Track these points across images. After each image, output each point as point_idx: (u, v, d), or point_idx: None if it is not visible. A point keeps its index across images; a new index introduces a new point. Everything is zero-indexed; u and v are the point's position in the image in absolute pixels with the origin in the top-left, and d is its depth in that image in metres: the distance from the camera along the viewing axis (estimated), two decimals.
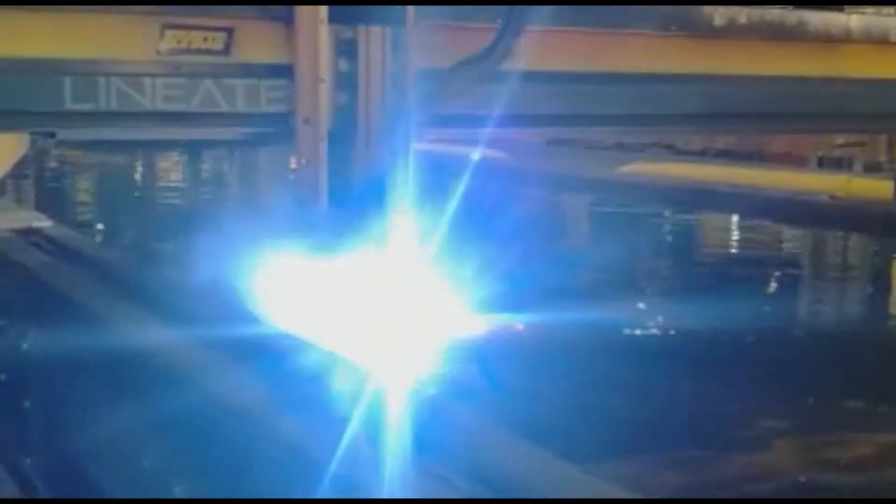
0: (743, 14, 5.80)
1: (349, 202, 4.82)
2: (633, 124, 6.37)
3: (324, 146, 4.63)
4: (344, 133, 4.75)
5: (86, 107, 4.28)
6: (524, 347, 7.03)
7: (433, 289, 5.48)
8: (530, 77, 5.40)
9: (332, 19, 4.63)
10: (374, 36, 4.72)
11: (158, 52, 4.35)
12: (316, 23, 4.55)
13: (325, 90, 4.63)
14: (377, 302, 5.09)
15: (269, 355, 3.52)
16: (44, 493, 4.33)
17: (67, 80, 4.23)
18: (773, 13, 5.94)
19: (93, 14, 4.27)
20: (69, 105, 4.26)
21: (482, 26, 4.97)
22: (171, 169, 21.42)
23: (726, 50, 5.94)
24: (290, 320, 4.10)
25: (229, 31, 4.47)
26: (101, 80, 4.27)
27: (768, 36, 6.05)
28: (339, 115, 4.75)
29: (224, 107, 4.52)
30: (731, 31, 5.89)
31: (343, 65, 4.73)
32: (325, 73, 4.63)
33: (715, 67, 5.95)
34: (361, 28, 4.72)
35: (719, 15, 5.72)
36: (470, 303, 6.55)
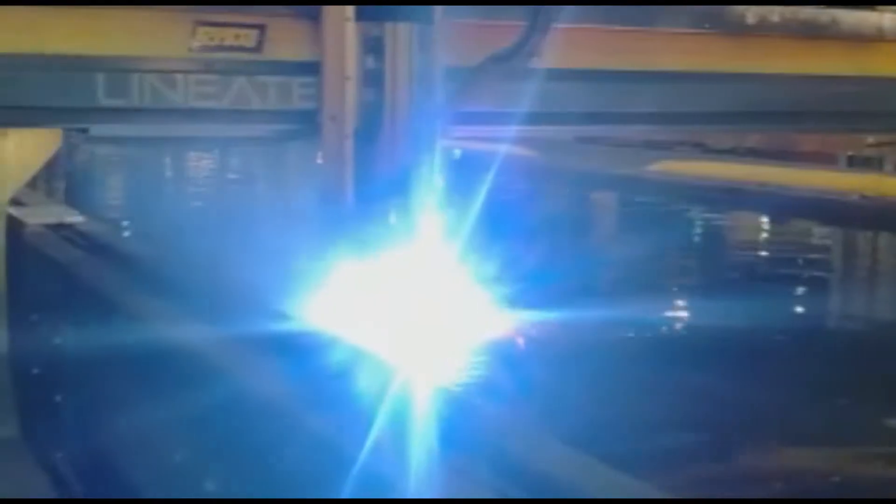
0: (775, 12, 5.76)
1: (375, 200, 4.82)
2: (665, 122, 6.34)
3: (350, 144, 4.63)
4: (370, 131, 4.75)
5: (119, 103, 4.31)
6: (551, 345, 7.01)
7: (459, 286, 5.47)
8: (560, 75, 5.39)
9: (359, 17, 4.63)
10: (401, 33, 4.72)
11: (191, 49, 4.37)
12: (343, 20, 4.55)
13: (351, 88, 4.63)
14: (403, 299, 5.09)
15: (295, 351, 3.54)
16: (76, 488, 4.37)
17: (100, 77, 4.25)
18: (806, 11, 5.90)
19: (126, 11, 4.29)
20: (102, 101, 4.28)
21: (510, 24, 4.95)
22: (200, 164, 21.51)
23: (758, 48, 5.90)
24: (317, 316, 4.12)
25: (261, 28, 4.48)
26: (135, 76, 4.30)
27: (801, 34, 6.01)
28: (366, 112, 4.75)
29: (256, 104, 4.54)
30: (763, 29, 5.85)
31: (370, 62, 4.73)
32: (352, 70, 4.63)
33: (747, 65, 5.91)
34: (388, 25, 4.72)
35: (752, 13, 5.68)
36: (497, 300, 6.54)
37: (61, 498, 4.14)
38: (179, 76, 4.37)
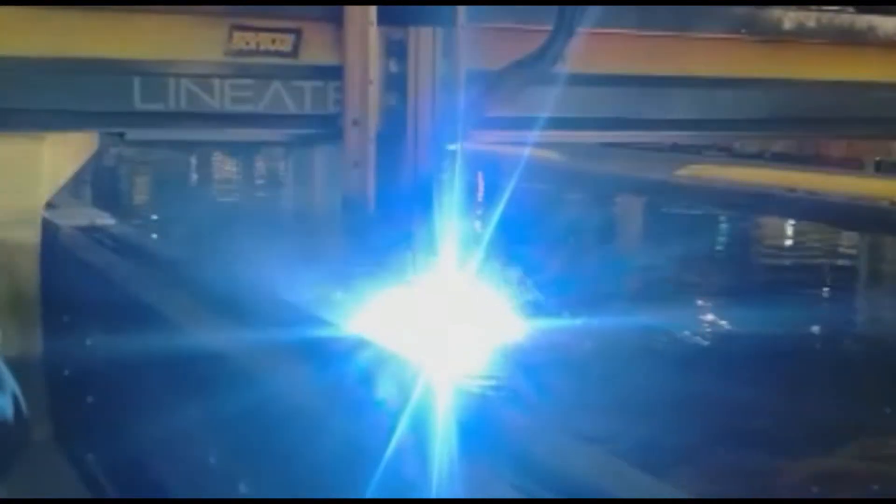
0: (812, 17, 5.71)
1: (397, 204, 4.80)
2: (697, 128, 6.31)
3: (372, 148, 4.61)
4: (393, 135, 4.73)
5: (155, 107, 4.32)
6: (574, 352, 6.99)
7: (481, 292, 5.46)
8: (590, 80, 5.37)
9: (382, 20, 4.60)
10: (423, 37, 4.69)
11: (227, 54, 4.38)
12: (365, 24, 4.53)
13: (374, 92, 4.61)
14: (426, 304, 5.08)
15: (321, 354, 3.55)
16: (108, 489, 4.39)
17: (137, 81, 4.26)
18: (843, 17, 5.85)
19: (162, 15, 4.30)
20: (138, 105, 4.29)
21: (536, 28, 4.90)
22: (227, 167, 21.58)
23: (793, 53, 5.86)
24: (339, 321, 4.11)
25: (297, 33, 4.48)
26: (171, 80, 4.30)
27: (837, 40, 5.96)
28: (388, 116, 4.73)
29: (292, 108, 4.53)
30: (799, 35, 5.80)
31: (392, 66, 4.70)
32: (375, 74, 4.61)
33: (782, 71, 5.87)
34: (411, 29, 4.68)
35: (788, 18, 5.64)
36: (520, 306, 6.52)
37: (93, 498, 4.15)
38: (216, 80, 4.37)
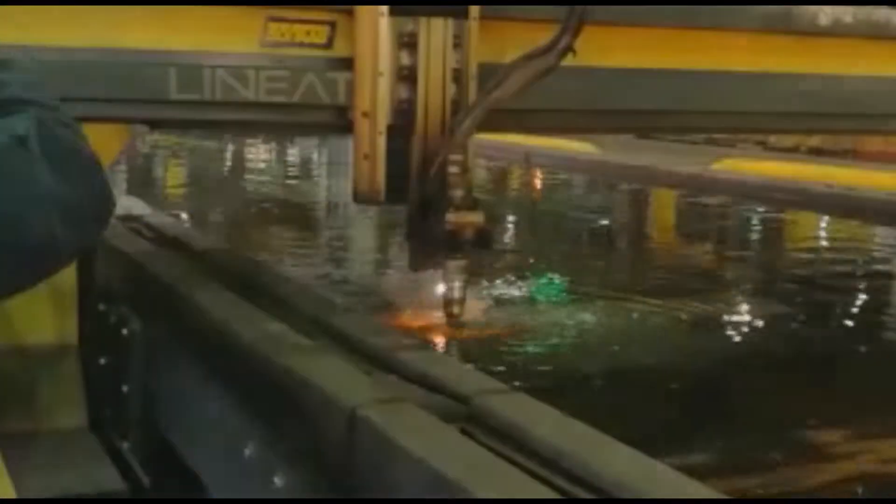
0: (848, 13, 5.66)
1: (407, 197, 4.78)
2: (734, 122, 6.26)
3: (382, 140, 4.58)
4: (403, 127, 4.70)
5: (190, 97, 4.35)
6: (588, 343, 7.00)
7: (488, 281, 5.45)
8: (622, 74, 5.33)
9: (393, 11, 4.57)
10: (435, 29, 4.65)
11: (262, 45, 4.40)
12: (376, 15, 4.50)
13: (384, 84, 4.59)
14: (435, 293, 5.09)
15: (344, 345, 3.58)
16: (142, 478, 4.45)
17: (173, 71, 4.30)
18: (880, 13, 5.80)
19: (198, 6, 4.34)
20: (174, 95, 4.33)
21: (549, 19, 4.81)
22: (260, 154, 21.69)
23: (829, 48, 5.82)
24: (344, 308, 4.14)
25: (332, 25, 4.49)
26: (206, 71, 4.34)
27: (873, 35, 5.91)
28: (399, 109, 4.70)
29: (326, 99, 4.55)
30: (835, 31, 5.76)
31: (404, 58, 4.67)
32: (385, 66, 4.58)
33: (817, 67, 5.83)
34: (423, 21, 4.63)
35: (824, 14, 5.59)
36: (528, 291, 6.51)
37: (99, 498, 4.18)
38: (251, 71, 4.40)
